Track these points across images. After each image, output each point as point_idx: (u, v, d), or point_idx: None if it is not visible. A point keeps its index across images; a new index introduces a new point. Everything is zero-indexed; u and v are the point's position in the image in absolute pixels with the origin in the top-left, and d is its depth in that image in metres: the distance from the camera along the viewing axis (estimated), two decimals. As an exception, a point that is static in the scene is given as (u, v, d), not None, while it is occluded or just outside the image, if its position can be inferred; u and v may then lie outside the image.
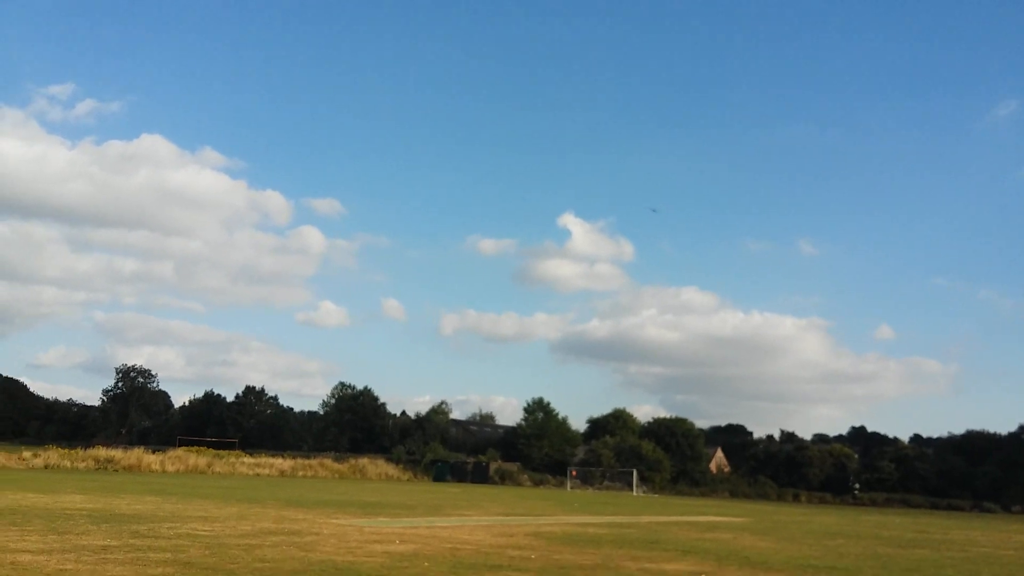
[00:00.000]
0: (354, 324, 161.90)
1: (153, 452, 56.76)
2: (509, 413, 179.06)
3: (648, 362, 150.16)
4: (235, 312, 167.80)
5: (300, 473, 58.87)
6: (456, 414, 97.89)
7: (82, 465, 48.47)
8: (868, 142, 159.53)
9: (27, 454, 48.13)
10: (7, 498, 21.46)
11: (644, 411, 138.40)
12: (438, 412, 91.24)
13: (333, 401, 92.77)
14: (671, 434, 76.31)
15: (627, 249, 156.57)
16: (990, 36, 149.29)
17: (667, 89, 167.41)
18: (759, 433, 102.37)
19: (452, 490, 48.17)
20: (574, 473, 68.69)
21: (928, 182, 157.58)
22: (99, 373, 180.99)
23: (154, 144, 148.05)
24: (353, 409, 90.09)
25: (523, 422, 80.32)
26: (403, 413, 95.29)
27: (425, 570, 11.57)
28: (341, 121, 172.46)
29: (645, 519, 28.42)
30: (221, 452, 61.73)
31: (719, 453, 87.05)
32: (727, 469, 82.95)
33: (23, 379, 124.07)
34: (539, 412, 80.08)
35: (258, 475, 55.19)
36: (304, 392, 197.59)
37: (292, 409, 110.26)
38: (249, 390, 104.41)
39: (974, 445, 77.55)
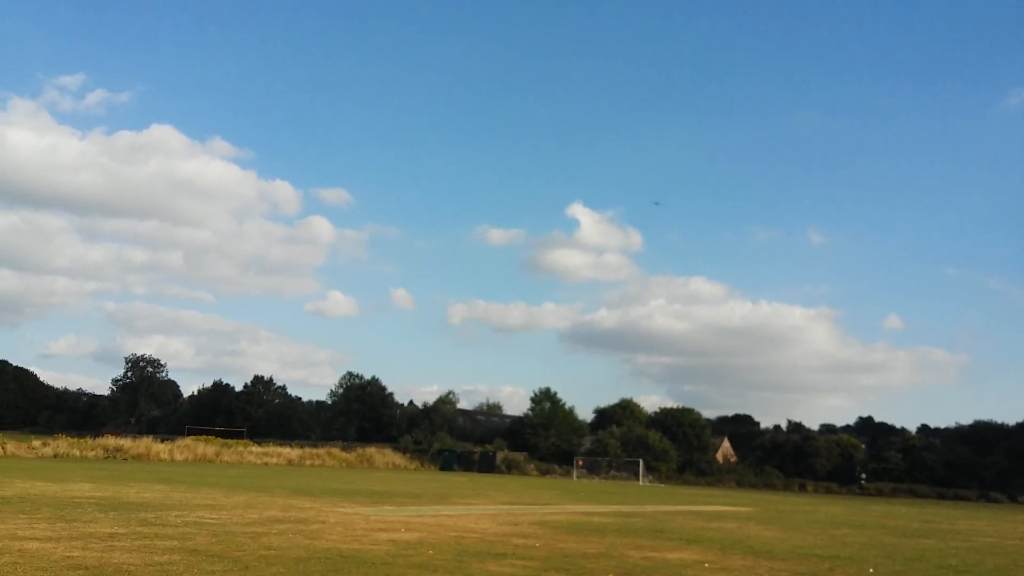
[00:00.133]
0: (363, 314, 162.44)
1: (162, 441, 57.17)
2: (517, 403, 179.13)
3: (656, 352, 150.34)
4: (244, 302, 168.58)
5: (308, 462, 59.16)
6: (464, 404, 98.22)
7: (91, 454, 48.81)
8: (878, 131, 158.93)
9: (37, 443, 48.47)
10: (16, 486, 21.64)
11: (651, 401, 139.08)
12: (445, 402, 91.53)
13: (341, 391, 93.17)
14: (678, 424, 76.35)
15: (635, 239, 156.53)
16: (1001, 25, 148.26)
17: (676, 78, 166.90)
18: (766, 423, 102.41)
19: (458, 479, 48.32)
20: (580, 463, 68.80)
21: (938, 171, 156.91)
22: (109, 363, 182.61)
23: (164, 134, 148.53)
24: (361, 399, 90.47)
25: (530, 412, 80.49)
26: (411, 403, 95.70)
27: (430, 558, 11.64)
28: (350, 111, 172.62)
29: (650, 508, 28.48)
30: (229, 441, 62.05)
31: (726, 443, 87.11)
32: (733, 459, 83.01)
33: (33, 369, 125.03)
34: (546, 402, 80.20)
35: (266, 464, 55.48)
36: (312, 382, 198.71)
37: (300, 399, 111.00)
38: (257, 380, 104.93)
39: (982, 435, 77.34)
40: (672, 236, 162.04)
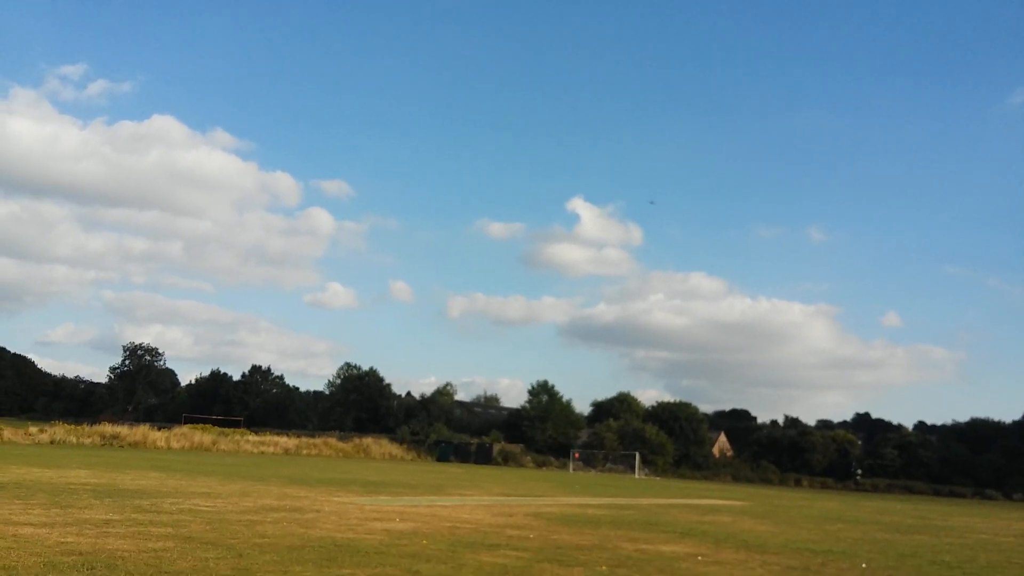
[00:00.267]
0: (362, 306, 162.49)
1: (159, 429, 57.21)
2: (515, 395, 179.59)
3: (655, 347, 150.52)
4: (244, 292, 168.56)
5: (304, 451, 59.22)
6: (461, 396, 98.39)
7: (88, 441, 48.85)
8: (879, 130, 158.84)
9: (34, 429, 48.49)
10: (12, 472, 21.67)
11: (649, 395, 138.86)
12: (443, 393, 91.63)
13: (339, 381, 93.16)
14: (674, 418, 76.49)
15: (636, 234, 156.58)
16: (1001, 25, 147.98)
17: (677, 74, 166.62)
18: (763, 418, 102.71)
19: (455, 470, 48.40)
20: (577, 455, 68.94)
21: (938, 170, 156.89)
22: (107, 351, 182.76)
23: (165, 125, 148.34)
24: (359, 389, 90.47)
25: (527, 404, 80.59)
26: (408, 394, 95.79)
27: (423, 547, 11.66)
28: (351, 103, 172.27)
29: (645, 501, 28.55)
30: (226, 430, 62.05)
31: (722, 437, 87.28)
32: (730, 453, 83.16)
33: (31, 356, 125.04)
34: (543, 395, 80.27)
35: (262, 453, 55.50)
36: (311, 372, 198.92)
37: (298, 389, 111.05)
38: (255, 369, 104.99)
39: (978, 433, 77.56)
40: (672, 232, 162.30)
